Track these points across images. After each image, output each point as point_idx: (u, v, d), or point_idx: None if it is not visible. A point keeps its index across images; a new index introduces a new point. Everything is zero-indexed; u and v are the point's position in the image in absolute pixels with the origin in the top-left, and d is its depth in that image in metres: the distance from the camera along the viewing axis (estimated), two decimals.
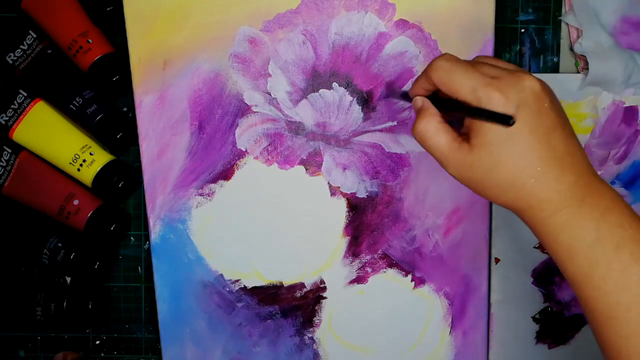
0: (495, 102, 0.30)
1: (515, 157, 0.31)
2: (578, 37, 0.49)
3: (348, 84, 0.47)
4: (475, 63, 0.33)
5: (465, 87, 0.31)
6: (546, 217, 0.31)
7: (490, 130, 0.31)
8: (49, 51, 0.49)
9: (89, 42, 0.48)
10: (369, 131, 0.47)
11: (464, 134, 0.33)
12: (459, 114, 0.34)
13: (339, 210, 0.48)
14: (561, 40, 0.50)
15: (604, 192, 0.31)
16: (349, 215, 0.48)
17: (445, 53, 0.33)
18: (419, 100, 0.35)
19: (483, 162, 0.31)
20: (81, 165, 0.48)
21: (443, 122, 0.33)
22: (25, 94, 0.48)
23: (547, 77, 0.49)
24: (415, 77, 0.35)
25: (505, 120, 0.29)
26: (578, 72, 0.49)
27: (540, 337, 0.51)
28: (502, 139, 0.30)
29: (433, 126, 0.33)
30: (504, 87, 0.30)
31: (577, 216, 0.31)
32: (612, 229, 0.30)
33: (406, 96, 0.39)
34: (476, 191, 0.33)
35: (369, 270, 0.49)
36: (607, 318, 0.31)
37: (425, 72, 0.34)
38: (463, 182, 0.33)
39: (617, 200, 0.31)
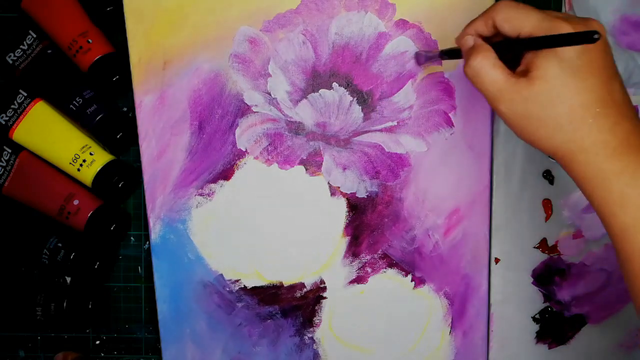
0: (565, 31, 0.30)
1: (577, 92, 0.30)
2: None
3: (348, 84, 0.47)
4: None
5: (532, 19, 0.31)
6: (600, 161, 0.31)
7: (554, 63, 0.30)
8: (49, 51, 0.49)
9: (89, 42, 0.48)
10: (369, 131, 0.47)
11: (519, 73, 0.32)
12: (522, 50, 0.33)
13: (339, 210, 0.48)
14: None
15: None
16: (349, 215, 0.48)
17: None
18: (470, 39, 0.34)
19: (542, 95, 0.31)
20: (81, 165, 0.48)
21: (498, 58, 0.33)
22: (25, 94, 0.48)
23: None
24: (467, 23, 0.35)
25: (588, 37, 0.28)
26: None
27: (540, 337, 0.51)
28: (566, 72, 0.30)
29: (490, 61, 0.32)
30: (572, 20, 0.30)
31: (631, 163, 0.30)
32: None
33: (447, 53, 0.39)
34: (526, 132, 0.32)
35: (369, 270, 0.49)
36: None
37: (486, 12, 0.33)
38: (514, 120, 0.32)
39: None
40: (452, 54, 0.39)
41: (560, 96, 0.30)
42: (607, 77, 0.31)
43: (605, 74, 0.31)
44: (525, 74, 0.32)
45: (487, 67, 0.32)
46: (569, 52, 0.30)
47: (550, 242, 0.49)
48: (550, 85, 0.30)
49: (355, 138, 0.48)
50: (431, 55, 0.44)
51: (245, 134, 0.48)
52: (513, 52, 0.33)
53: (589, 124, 0.30)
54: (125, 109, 0.51)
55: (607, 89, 0.31)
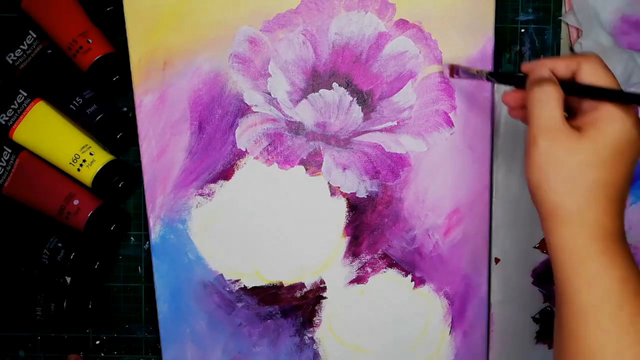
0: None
1: (611, 170, 0.31)
2: (578, 37, 0.49)
3: (348, 84, 0.47)
4: None
5: (613, 83, 0.32)
6: (590, 238, 0.31)
7: (612, 136, 0.31)
8: (49, 51, 0.49)
9: (89, 42, 0.48)
10: (369, 131, 0.47)
11: (575, 126, 0.33)
12: (588, 97, 0.33)
13: (339, 210, 0.48)
14: (561, 40, 0.50)
15: (631, 259, 0.32)
16: (349, 215, 0.48)
17: None
18: (547, 71, 0.34)
19: (585, 155, 0.31)
20: (81, 165, 0.48)
21: (564, 101, 0.33)
22: (25, 94, 0.48)
23: None
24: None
25: None
26: None
27: (540, 337, 0.51)
28: (615, 147, 0.31)
29: (559, 96, 0.32)
30: None
31: (615, 250, 0.31)
32: (638, 276, 0.32)
33: (497, 76, 0.39)
34: (543, 177, 0.32)
35: (369, 270, 0.49)
36: (594, 356, 0.31)
37: (575, 57, 0.33)
38: (543, 162, 0.32)
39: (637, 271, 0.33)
40: (504, 78, 0.39)
41: (599, 165, 0.31)
42: (631, 173, 0.32)
43: (631, 169, 0.32)
44: (578, 129, 0.32)
45: (554, 100, 0.32)
46: (625, 135, 0.31)
47: None
48: (598, 150, 0.31)
49: (355, 138, 0.48)
50: (472, 73, 0.42)
51: (245, 134, 0.48)
52: (579, 95, 0.33)
53: (603, 204, 0.31)
54: (125, 109, 0.51)
55: (627, 183, 0.32)
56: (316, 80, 0.47)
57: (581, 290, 0.31)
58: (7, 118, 0.48)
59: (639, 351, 0.30)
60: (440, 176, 0.48)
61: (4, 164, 0.49)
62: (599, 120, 0.32)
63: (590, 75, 0.33)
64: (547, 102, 0.32)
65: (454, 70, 0.45)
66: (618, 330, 0.30)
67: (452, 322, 0.50)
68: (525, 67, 0.36)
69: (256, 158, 0.48)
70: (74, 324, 0.50)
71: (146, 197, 0.48)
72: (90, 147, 0.49)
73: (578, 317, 0.31)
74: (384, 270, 0.49)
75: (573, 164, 0.31)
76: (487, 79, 0.40)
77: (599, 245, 0.31)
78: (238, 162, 0.48)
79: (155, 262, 0.49)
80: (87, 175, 0.48)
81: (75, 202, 0.48)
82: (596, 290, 0.31)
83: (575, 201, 0.32)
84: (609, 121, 0.31)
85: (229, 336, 0.50)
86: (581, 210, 0.31)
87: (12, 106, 0.48)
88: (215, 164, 0.48)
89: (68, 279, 0.51)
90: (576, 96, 0.34)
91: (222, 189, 0.48)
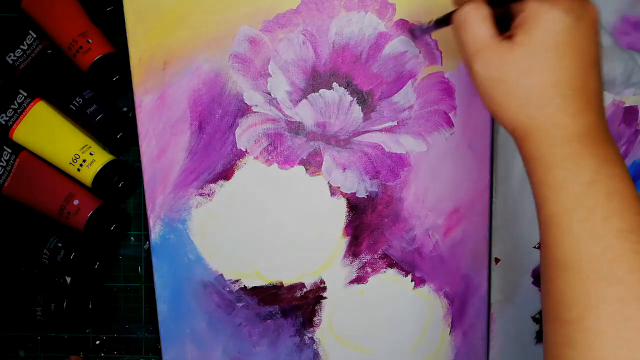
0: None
1: (553, 70, 0.29)
2: None
3: (348, 84, 0.47)
4: None
5: None
6: (553, 144, 0.30)
7: (543, 33, 0.29)
8: (49, 51, 0.49)
9: (89, 42, 0.48)
10: (369, 131, 0.47)
11: (506, 36, 0.31)
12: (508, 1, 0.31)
13: (339, 210, 0.48)
14: None
15: (612, 144, 0.30)
16: (349, 215, 0.48)
17: None
18: None
19: (518, 62, 0.30)
20: (81, 165, 0.48)
21: (491, 15, 0.31)
22: (25, 94, 0.48)
23: None
24: None
25: None
26: None
27: (540, 337, 0.51)
28: (550, 45, 0.29)
29: (480, 13, 0.31)
30: None
31: (582, 153, 0.29)
32: (611, 178, 0.29)
33: (443, 20, 0.36)
34: (494, 99, 0.31)
35: (369, 270, 0.49)
36: (564, 264, 0.29)
37: None
38: (486, 84, 0.31)
39: (618, 153, 0.30)
40: (448, 18, 0.36)
41: (537, 68, 0.29)
42: (587, 63, 0.30)
43: (586, 59, 0.30)
44: (510, 37, 0.30)
45: (476, 18, 0.31)
46: (556, 25, 0.29)
47: None
48: (530, 52, 0.29)
49: (355, 138, 0.48)
50: (426, 27, 0.42)
51: (245, 134, 0.48)
52: (501, 4, 0.31)
53: (556, 104, 0.29)
54: (125, 109, 0.51)
55: (583, 74, 0.29)
56: (316, 80, 0.47)
57: (548, 198, 0.30)
58: (7, 118, 0.48)
59: (612, 255, 0.28)
60: (440, 176, 0.48)
61: (4, 164, 0.49)
62: (526, 21, 0.30)
63: None
64: (470, 23, 0.31)
65: (412, 32, 0.45)
66: (589, 236, 0.28)
67: (452, 322, 0.50)
68: None
69: (256, 158, 0.48)
70: (74, 324, 0.50)
71: (146, 197, 0.48)
72: (90, 147, 0.49)
73: (550, 226, 0.30)
74: (384, 270, 0.49)
75: (511, 77, 0.30)
76: (436, 26, 0.39)
77: (563, 150, 0.29)
78: (238, 162, 0.48)
79: (155, 262, 0.49)
80: (87, 175, 0.48)
81: (75, 202, 0.48)
82: (564, 196, 0.29)
83: (528, 112, 0.30)
84: (536, 18, 0.29)
85: (229, 336, 0.50)
86: (536, 119, 0.30)
87: (12, 106, 0.48)
88: (215, 164, 0.48)
89: (68, 279, 0.51)
90: (501, 5, 0.32)
91: (222, 189, 0.48)
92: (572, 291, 0.28)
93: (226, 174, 0.48)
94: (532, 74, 0.29)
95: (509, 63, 0.30)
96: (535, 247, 0.50)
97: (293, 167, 0.48)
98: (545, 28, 0.29)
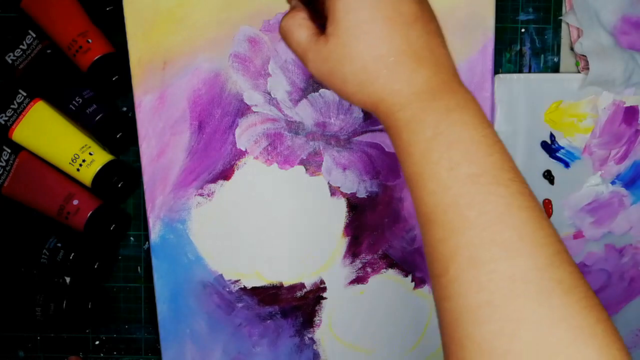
0: None
1: (368, 46, 0.29)
2: (578, 36, 0.49)
3: None
4: None
5: None
6: (396, 111, 0.29)
7: (343, 17, 0.29)
8: (49, 51, 0.49)
9: (88, 42, 0.47)
10: (369, 131, 0.47)
11: (325, 32, 0.31)
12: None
13: (339, 210, 0.48)
14: (562, 40, 0.50)
15: (458, 92, 0.30)
16: (349, 215, 0.48)
17: None
18: (293, 0, 0.34)
19: (336, 53, 0.30)
20: (81, 165, 0.48)
21: (307, 18, 0.32)
22: (25, 94, 0.48)
23: (547, 77, 0.49)
24: None
25: None
26: (578, 72, 0.49)
27: None
28: (355, 26, 0.29)
29: (296, 21, 0.32)
30: None
31: (422, 111, 0.29)
32: (452, 127, 0.28)
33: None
34: (336, 89, 0.31)
35: (369, 270, 0.49)
36: (428, 221, 0.28)
37: None
38: (323, 80, 0.32)
39: (468, 100, 0.30)
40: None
41: (352, 52, 0.30)
42: (402, 24, 0.29)
43: (400, 21, 0.29)
44: (326, 34, 0.31)
45: (294, 26, 0.32)
46: (350, 5, 0.29)
47: None
48: (342, 41, 0.30)
49: (355, 138, 0.48)
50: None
51: (245, 134, 0.47)
52: (309, 2, 0.32)
53: (384, 75, 0.29)
54: (125, 109, 0.51)
55: (401, 37, 0.29)
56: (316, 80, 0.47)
57: (403, 162, 0.30)
58: (6, 118, 0.48)
59: (464, 202, 0.27)
60: None
61: (4, 164, 0.49)
62: (329, 12, 0.30)
63: None
64: (291, 32, 0.32)
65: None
66: (442, 189, 0.28)
67: None
68: None
69: (256, 158, 0.48)
70: (73, 324, 0.50)
71: (146, 197, 0.48)
72: (89, 147, 0.48)
73: (411, 189, 0.30)
74: (384, 270, 0.49)
75: (337, 68, 0.30)
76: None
77: (405, 114, 0.29)
78: (238, 162, 0.48)
79: (154, 262, 0.49)
80: (87, 175, 0.48)
81: (75, 202, 0.48)
82: (413, 157, 0.29)
83: (365, 92, 0.30)
84: (333, 6, 0.30)
85: (228, 336, 0.50)
86: (375, 95, 0.30)
87: (12, 106, 0.48)
88: (215, 164, 0.48)
89: (67, 279, 0.51)
90: (309, 4, 0.32)
91: (222, 189, 0.48)
92: (436, 246, 0.28)
93: (226, 174, 0.48)
94: (351, 58, 0.30)
95: (330, 56, 0.30)
96: None
97: (293, 167, 0.48)
98: (343, 12, 0.29)
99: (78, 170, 0.48)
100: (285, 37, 0.33)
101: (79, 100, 0.48)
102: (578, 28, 0.48)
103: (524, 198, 0.27)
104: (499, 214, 0.27)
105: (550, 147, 0.49)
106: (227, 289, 0.49)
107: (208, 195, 0.48)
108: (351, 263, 0.49)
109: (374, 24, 0.29)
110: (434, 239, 0.28)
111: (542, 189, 0.49)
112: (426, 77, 0.29)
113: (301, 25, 0.32)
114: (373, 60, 0.29)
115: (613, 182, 0.49)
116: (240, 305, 0.49)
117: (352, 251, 0.49)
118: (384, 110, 0.30)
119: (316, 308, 0.50)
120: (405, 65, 0.29)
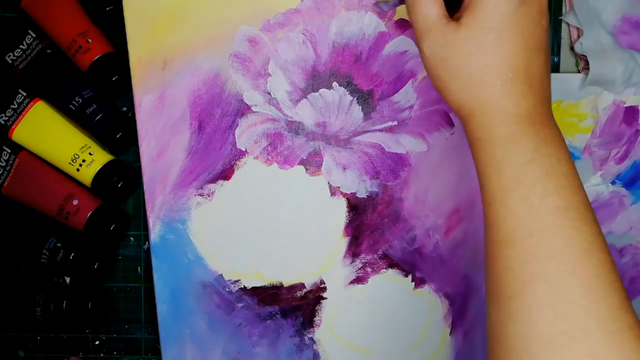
0: None
1: (495, 53, 0.30)
2: (578, 36, 0.49)
3: (348, 84, 0.47)
4: None
5: None
6: (494, 125, 0.30)
7: (487, 15, 0.29)
8: (49, 51, 0.49)
9: (88, 41, 0.47)
10: (369, 131, 0.47)
11: (455, 18, 0.31)
12: None
13: (339, 210, 0.48)
14: (562, 40, 0.50)
15: (554, 126, 0.31)
16: (349, 215, 0.48)
17: None
18: None
19: (464, 44, 0.30)
20: (80, 165, 0.48)
21: None
22: (25, 94, 0.48)
23: None
24: None
25: None
26: (578, 72, 0.49)
27: None
28: (493, 27, 0.29)
29: None
30: None
31: (520, 134, 0.30)
32: (548, 158, 0.30)
33: None
34: (440, 80, 0.32)
35: (369, 270, 0.49)
36: (506, 241, 0.29)
37: None
38: (433, 64, 0.32)
39: (559, 135, 0.31)
40: None
41: (480, 49, 0.30)
42: (530, 47, 0.30)
43: (530, 42, 0.30)
44: (458, 19, 0.31)
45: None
46: (501, 8, 0.29)
47: None
48: (475, 34, 0.30)
49: (356, 138, 0.48)
50: (392, 2, 0.41)
51: (245, 134, 0.47)
52: None
53: (497, 86, 0.30)
54: (125, 109, 0.51)
55: (525, 59, 0.30)
56: (316, 80, 0.47)
57: (490, 177, 0.30)
58: (6, 118, 0.48)
59: (550, 231, 0.28)
60: (440, 176, 0.48)
61: (4, 164, 0.49)
62: (472, 3, 0.30)
63: None
64: (420, 3, 0.31)
65: (378, 7, 0.44)
66: (528, 213, 0.29)
67: (452, 322, 0.50)
68: None
69: (256, 158, 0.48)
70: (73, 324, 0.50)
71: (146, 197, 0.48)
72: (89, 147, 0.48)
73: (491, 205, 0.30)
74: (384, 270, 0.49)
75: (455, 58, 0.30)
76: (400, 2, 0.38)
77: (503, 131, 0.30)
78: (238, 162, 0.48)
79: (154, 262, 0.49)
80: (87, 175, 0.48)
81: (75, 202, 0.48)
82: (504, 175, 0.30)
83: (470, 93, 0.30)
84: (481, 0, 0.30)
85: (228, 336, 0.50)
86: (478, 100, 0.30)
87: (12, 106, 0.48)
88: (215, 164, 0.48)
89: (67, 279, 0.51)
90: None
91: (222, 189, 0.48)
92: (512, 267, 0.29)
93: (226, 174, 0.48)
94: (475, 55, 0.30)
95: (454, 44, 0.30)
96: None
97: (293, 167, 0.48)
98: (490, 10, 0.29)
99: (78, 170, 0.48)
100: (411, 7, 0.32)
101: (79, 100, 0.48)
102: (578, 28, 0.48)
103: (602, 240, 0.29)
104: (582, 250, 0.28)
105: None
106: (227, 289, 0.49)
107: (208, 195, 0.48)
108: (351, 263, 0.49)
109: (510, 37, 0.29)
110: (509, 260, 0.29)
111: None
112: (532, 104, 0.30)
113: (434, 2, 0.31)
114: (492, 68, 0.30)
115: (613, 182, 0.49)
116: (240, 305, 0.49)
117: (352, 251, 0.49)
118: (480, 121, 0.31)
119: (316, 308, 0.50)
120: (518, 86, 0.30)
